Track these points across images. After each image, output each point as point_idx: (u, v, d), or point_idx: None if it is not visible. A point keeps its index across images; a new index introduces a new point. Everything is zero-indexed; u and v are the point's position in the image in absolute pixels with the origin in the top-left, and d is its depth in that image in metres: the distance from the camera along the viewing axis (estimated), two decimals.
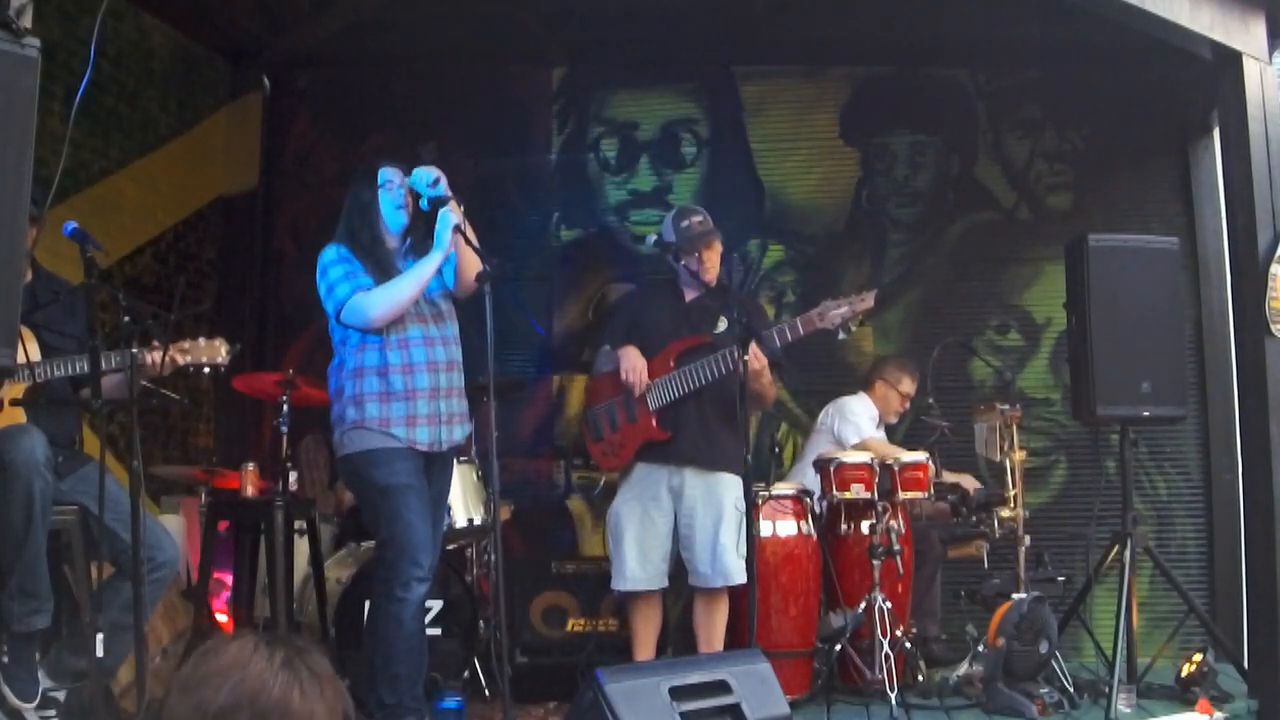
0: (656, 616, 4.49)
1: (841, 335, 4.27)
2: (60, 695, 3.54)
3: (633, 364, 4.37)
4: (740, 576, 4.26)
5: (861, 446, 5.07)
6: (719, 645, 4.40)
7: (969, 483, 5.19)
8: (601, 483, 4.62)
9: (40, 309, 3.61)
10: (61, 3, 4.82)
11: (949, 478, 5.19)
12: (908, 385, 5.45)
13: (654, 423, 4.37)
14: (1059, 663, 4.49)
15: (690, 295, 4.55)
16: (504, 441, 4.63)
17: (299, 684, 1.50)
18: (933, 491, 4.85)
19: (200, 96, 6.33)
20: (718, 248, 4.54)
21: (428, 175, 3.67)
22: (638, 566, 4.37)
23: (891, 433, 5.69)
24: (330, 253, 3.72)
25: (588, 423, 4.57)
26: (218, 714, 1.47)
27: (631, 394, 4.39)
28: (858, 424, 5.31)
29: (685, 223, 4.51)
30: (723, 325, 4.43)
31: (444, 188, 3.67)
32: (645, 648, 4.44)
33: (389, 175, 3.77)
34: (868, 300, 4.23)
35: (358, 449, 3.66)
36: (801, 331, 4.22)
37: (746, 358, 4.02)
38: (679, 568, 4.47)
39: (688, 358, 4.36)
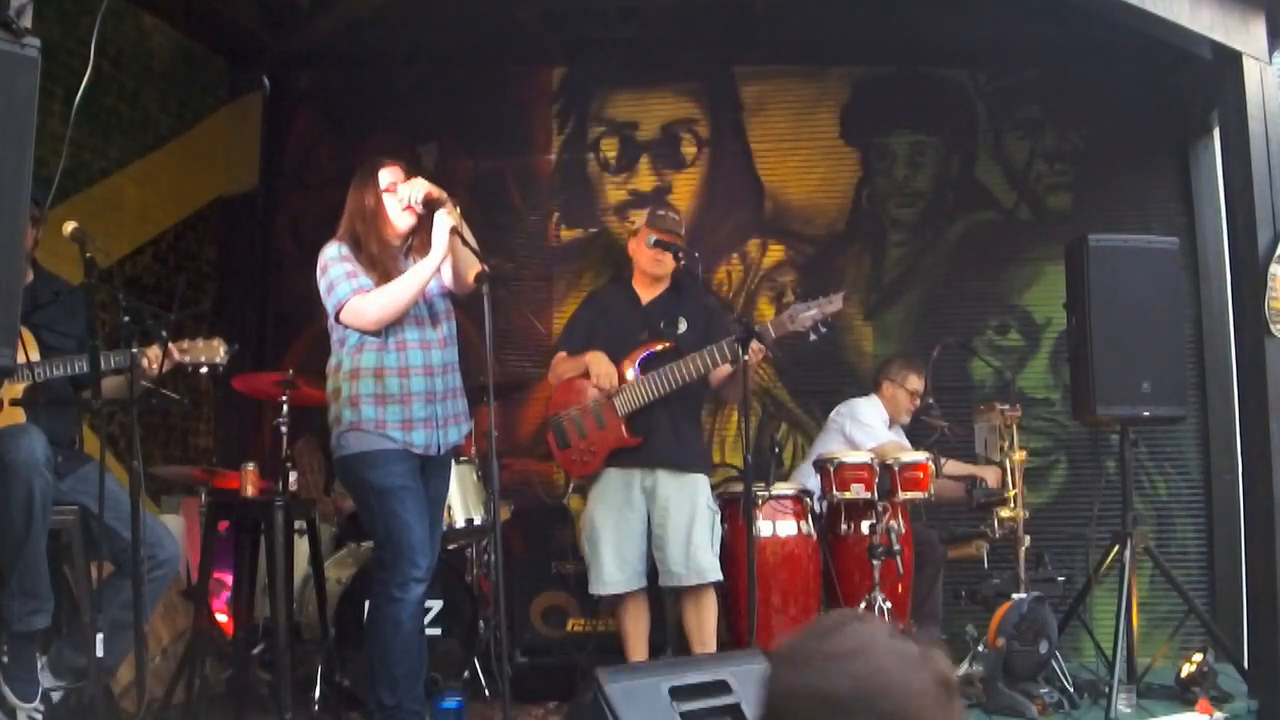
0: (644, 616, 4.48)
1: (813, 337, 4.28)
2: (56, 694, 3.53)
3: (604, 369, 4.37)
4: (715, 574, 4.30)
5: (878, 452, 5.05)
6: (712, 645, 4.39)
7: (991, 473, 5.19)
8: (570, 487, 4.60)
9: (40, 309, 3.61)
10: (61, 3, 4.82)
11: (970, 470, 5.20)
12: (915, 382, 5.44)
13: (624, 428, 4.37)
14: (1059, 663, 4.49)
15: (647, 296, 4.56)
16: (504, 441, 4.64)
17: (931, 690, 1.21)
18: (933, 490, 4.85)
19: (200, 96, 6.33)
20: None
21: (416, 195, 3.69)
22: (615, 569, 4.37)
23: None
24: (332, 250, 3.72)
25: (553, 431, 4.53)
26: (833, 704, 1.21)
27: (599, 400, 4.39)
28: (872, 429, 5.27)
29: (661, 212, 4.61)
30: (683, 326, 4.46)
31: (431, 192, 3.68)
32: (638, 648, 4.44)
33: (390, 177, 3.76)
34: (835, 302, 4.25)
35: (354, 450, 3.66)
36: (773, 335, 4.23)
37: (746, 356, 4.05)
38: None
39: (653, 362, 4.36)
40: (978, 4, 5.73)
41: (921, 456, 4.81)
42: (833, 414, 5.49)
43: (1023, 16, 5.79)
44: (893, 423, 5.47)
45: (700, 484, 4.40)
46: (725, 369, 4.33)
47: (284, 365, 5.04)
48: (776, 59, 6.53)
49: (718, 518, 4.42)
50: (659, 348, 4.40)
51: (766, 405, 6.23)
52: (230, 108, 6.56)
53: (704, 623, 4.40)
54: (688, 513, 4.34)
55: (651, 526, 4.40)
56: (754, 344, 4.11)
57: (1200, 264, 6.03)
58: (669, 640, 4.79)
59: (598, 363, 4.39)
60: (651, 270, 4.51)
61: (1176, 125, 6.21)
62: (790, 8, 6.10)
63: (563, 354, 4.60)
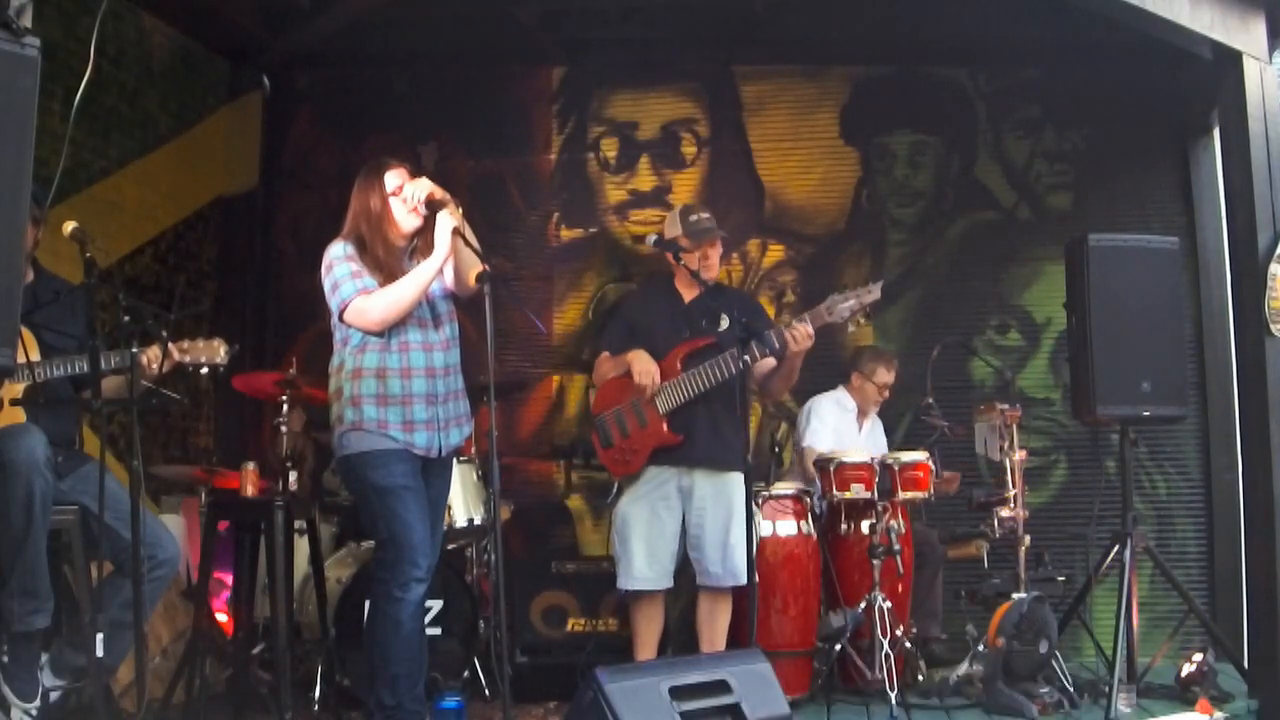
0: (659, 617, 4.49)
1: (851, 329, 4.28)
2: (56, 694, 3.53)
3: (645, 367, 4.36)
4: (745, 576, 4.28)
5: (807, 452, 5.11)
6: (721, 644, 4.40)
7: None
8: (616, 488, 4.58)
9: (40, 309, 3.61)
10: (61, 3, 4.82)
11: None
12: (883, 375, 5.44)
13: (665, 426, 4.36)
14: (1059, 663, 4.49)
15: (689, 295, 4.54)
16: (504, 441, 4.64)
17: None
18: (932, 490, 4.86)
19: (200, 96, 6.33)
20: (719, 247, 4.56)
21: (419, 196, 3.70)
22: (645, 566, 4.37)
23: (891, 432, 5.71)
24: (337, 249, 3.71)
25: (597, 430, 4.52)
26: None
27: (640, 399, 4.38)
28: (818, 428, 5.30)
29: (693, 218, 4.54)
30: (725, 324, 4.44)
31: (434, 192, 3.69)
32: (647, 648, 4.44)
33: (396, 180, 3.76)
34: (874, 292, 4.24)
35: (355, 450, 3.65)
36: (811, 326, 4.23)
37: (746, 357, 4.06)
38: (680, 567, 4.47)
39: (694, 360, 4.35)
40: (978, 4, 5.73)
41: (921, 456, 4.82)
42: (801, 410, 5.50)
43: (1023, 16, 5.79)
44: (863, 414, 5.47)
45: (738, 483, 4.35)
46: (769, 362, 4.33)
47: (284, 365, 5.04)
48: (776, 59, 6.54)
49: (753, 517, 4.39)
50: (701, 345, 4.39)
51: (766, 405, 6.22)
52: (230, 108, 6.56)
53: (717, 621, 4.41)
54: (725, 513, 4.34)
55: (688, 526, 4.40)
56: (804, 328, 4.15)
57: (1200, 264, 6.03)
58: (669, 640, 4.80)
59: (639, 361, 4.38)
60: (706, 274, 4.44)
61: (1176, 125, 6.21)
62: (790, 8, 6.10)
63: (605, 354, 4.59)
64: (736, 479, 4.36)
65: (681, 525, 4.41)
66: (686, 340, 4.43)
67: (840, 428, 5.39)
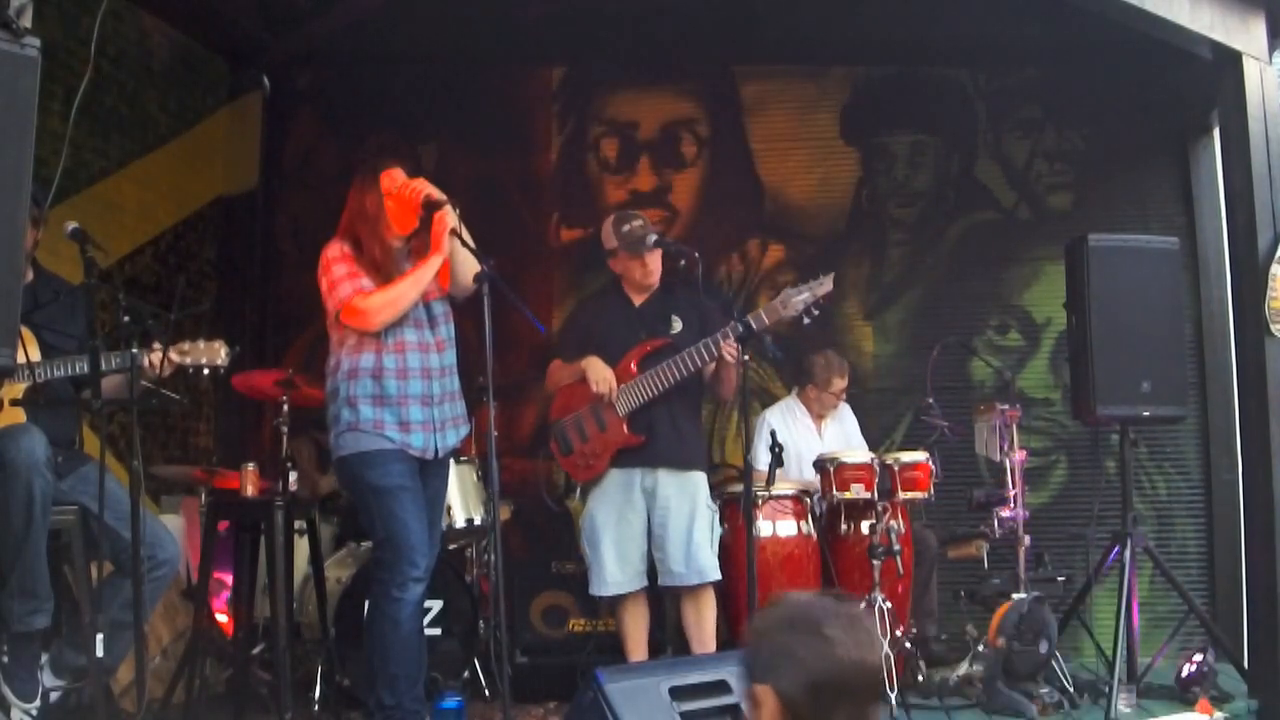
0: (644, 616, 4.48)
1: (806, 321, 4.24)
2: (56, 694, 3.53)
3: (601, 375, 4.36)
4: (715, 573, 4.30)
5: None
6: (711, 644, 4.39)
7: None
8: (579, 493, 4.57)
9: (40, 309, 3.61)
10: (61, 3, 4.82)
11: None
12: (839, 384, 5.41)
13: (626, 428, 4.36)
14: (1059, 663, 4.49)
15: (639, 299, 4.54)
16: (504, 441, 4.63)
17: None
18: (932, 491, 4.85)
19: (200, 96, 6.33)
20: (659, 253, 4.48)
21: (416, 197, 3.70)
22: (617, 569, 4.37)
23: (891, 432, 5.70)
24: (334, 250, 3.72)
25: (555, 437, 4.52)
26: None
27: (599, 403, 4.38)
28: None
29: (626, 228, 4.48)
30: (677, 326, 4.44)
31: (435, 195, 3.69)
32: (637, 648, 4.44)
33: (392, 181, 3.75)
34: (826, 284, 4.22)
35: (353, 450, 3.66)
36: (766, 321, 4.20)
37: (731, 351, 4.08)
38: None
39: (650, 361, 4.36)
40: (978, 4, 5.73)
41: (921, 456, 4.82)
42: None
43: (1023, 16, 5.79)
44: (821, 416, 5.45)
45: (700, 482, 4.40)
46: (713, 365, 4.34)
47: (284, 365, 5.03)
48: (776, 59, 6.54)
49: (716, 516, 4.42)
50: (654, 347, 4.39)
51: (766, 404, 6.22)
52: (230, 108, 6.56)
53: (704, 622, 4.39)
54: (688, 512, 4.34)
55: (652, 526, 4.40)
56: (726, 342, 4.13)
57: (1200, 264, 6.03)
58: (669, 640, 4.80)
59: (594, 368, 4.38)
60: (646, 281, 4.47)
61: (1176, 125, 6.21)
62: (790, 8, 6.10)
63: (558, 361, 4.59)
64: (699, 477, 4.41)
65: (648, 524, 4.40)
66: (641, 343, 4.43)
67: (790, 439, 5.35)
